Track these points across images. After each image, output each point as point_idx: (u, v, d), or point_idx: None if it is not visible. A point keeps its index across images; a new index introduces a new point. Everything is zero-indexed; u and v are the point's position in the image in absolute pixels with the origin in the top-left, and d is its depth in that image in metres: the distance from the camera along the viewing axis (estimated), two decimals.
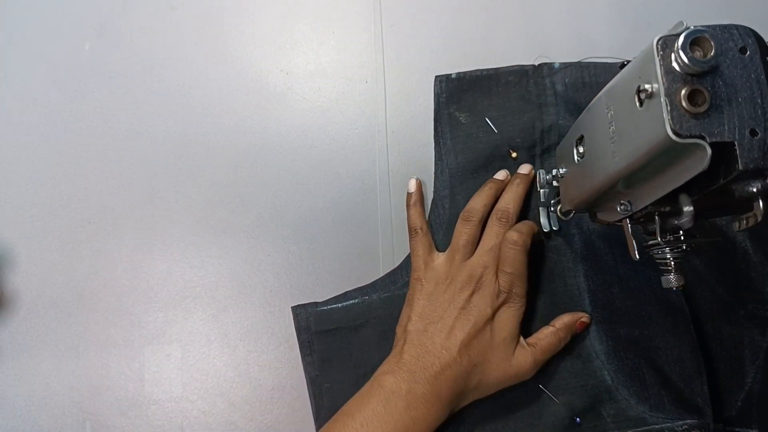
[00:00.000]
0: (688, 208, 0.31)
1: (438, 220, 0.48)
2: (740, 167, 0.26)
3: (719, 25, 0.27)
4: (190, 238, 0.49)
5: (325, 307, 0.47)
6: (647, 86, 0.27)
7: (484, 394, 0.42)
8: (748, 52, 0.27)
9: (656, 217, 0.35)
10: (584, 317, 0.45)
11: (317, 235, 0.49)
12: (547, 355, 0.43)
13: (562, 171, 0.42)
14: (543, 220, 0.47)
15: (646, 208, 0.34)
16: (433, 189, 0.49)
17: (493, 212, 0.45)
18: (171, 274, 0.49)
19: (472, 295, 0.42)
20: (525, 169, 0.48)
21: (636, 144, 0.29)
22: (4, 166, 0.51)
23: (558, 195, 0.45)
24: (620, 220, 0.37)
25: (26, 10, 0.54)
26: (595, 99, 0.35)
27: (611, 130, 0.32)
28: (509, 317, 0.42)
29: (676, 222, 0.33)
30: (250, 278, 0.49)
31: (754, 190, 0.27)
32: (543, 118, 0.48)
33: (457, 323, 0.41)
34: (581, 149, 0.38)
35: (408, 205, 0.48)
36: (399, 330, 0.44)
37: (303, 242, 0.49)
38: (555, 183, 0.43)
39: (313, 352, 0.46)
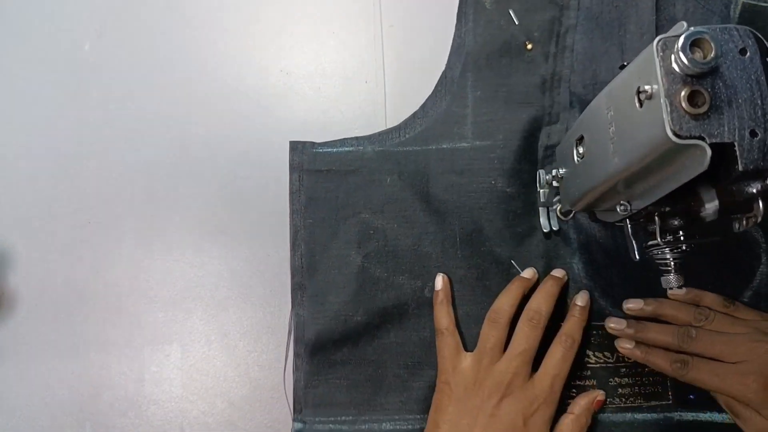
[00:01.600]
0: (711, 204, 0.31)
1: (444, 89, 0.50)
2: (740, 168, 0.26)
3: (719, 27, 0.27)
4: (190, 238, 0.49)
5: (321, 150, 0.49)
6: (647, 87, 0.27)
7: None
8: (748, 54, 0.27)
9: (656, 218, 0.35)
10: (600, 395, 0.44)
11: None
12: None
13: (562, 171, 0.42)
14: (543, 220, 0.47)
15: (646, 208, 0.34)
16: (445, 65, 0.51)
17: (524, 313, 0.43)
18: (171, 274, 0.49)
19: (501, 401, 0.41)
20: (558, 273, 0.46)
21: (636, 145, 0.30)
22: (4, 166, 0.51)
23: (558, 195, 0.45)
24: (620, 221, 0.37)
25: (26, 10, 0.54)
26: (595, 99, 0.35)
27: (611, 130, 0.32)
28: (539, 423, 0.41)
29: (701, 213, 0.32)
30: (250, 278, 0.49)
31: (754, 191, 0.27)
32: (562, 20, 0.49)
33: None
34: (581, 149, 0.38)
35: (435, 303, 0.46)
36: None
37: None
38: (555, 183, 0.43)
39: (302, 189, 0.49)
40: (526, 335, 0.42)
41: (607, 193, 0.36)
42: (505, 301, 0.44)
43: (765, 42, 0.28)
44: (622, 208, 0.35)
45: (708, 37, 0.26)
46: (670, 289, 0.37)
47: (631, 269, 0.46)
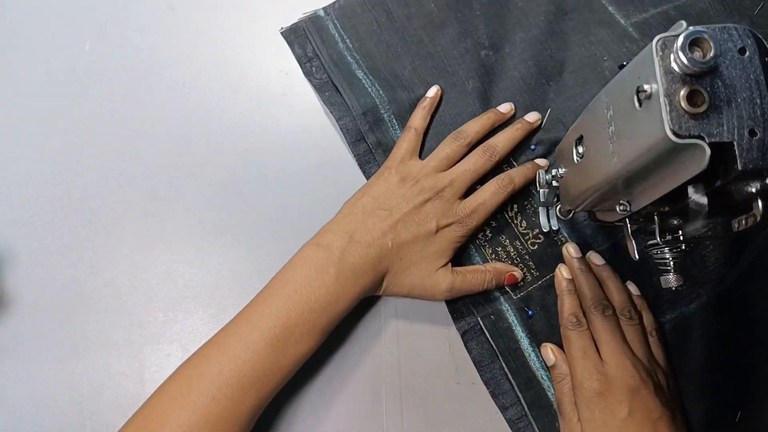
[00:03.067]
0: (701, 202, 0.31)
1: None
2: (739, 167, 0.26)
3: (718, 26, 0.27)
4: (190, 238, 0.49)
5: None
6: (646, 87, 0.27)
7: (393, 293, 0.44)
8: (747, 53, 0.27)
9: (655, 217, 0.35)
10: (516, 272, 0.46)
11: None
12: (466, 288, 0.44)
13: (561, 171, 0.42)
14: (542, 219, 0.47)
15: (645, 208, 0.34)
16: None
17: (481, 145, 0.46)
18: (171, 274, 0.49)
19: (426, 201, 0.44)
20: (531, 117, 0.48)
21: (635, 144, 0.30)
22: (4, 166, 0.51)
23: (557, 195, 0.45)
24: (620, 220, 0.37)
25: (26, 10, 0.54)
26: (594, 99, 0.35)
27: (610, 130, 0.32)
28: (448, 238, 0.44)
29: (688, 227, 0.33)
30: (250, 278, 0.49)
31: (753, 190, 0.27)
32: None
33: (403, 218, 0.43)
34: (580, 149, 0.38)
35: (419, 106, 0.49)
36: (346, 203, 0.45)
37: (303, 242, 0.49)
38: (554, 183, 0.43)
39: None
40: (474, 159, 0.45)
41: (607, 193, 0.36)
42: (473, 126, 0.47)
43: (764, 41, 0.28)
44: (621, 207, 0.35)
45: (707, 37, 0.26)
46: (670, 288, 0.37)
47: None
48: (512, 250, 0.47)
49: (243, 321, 0.41)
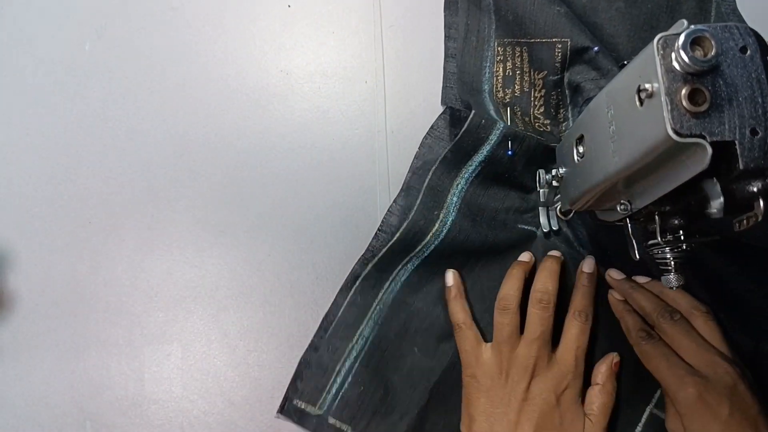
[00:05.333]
0: (716, 201, 0.30)
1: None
2: (741, 166, 0.26)
3: (720, 25, 0.27)
4: (190, 238, 0.49)
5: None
6: (647, 86, 0.27)
7: None
8: (749, 52, 0.27)
9: (656, 217, 0.35)
10: (615, 357, 0.44)
11: (317, 235, 0.49)
12: (608, 414, 0.42)
13: (562, 171, 0.42)
14: (543, 220, 0.47)
15: (646, 207, 0.34)
16: None
17: (531, 296, 0.44)
18: (171, 274, 0.49)
19: (529, 385, 0.41)
20: (555, 252, 0.46)
21: (636, 143, 0.29)
22: (4, 166, 0.51)
23: (558, 195, 0.45)
24: (620, 220, 0.37)
25: (26, 10, 0.54)
26: (595, 98, 0.35)
27: (611, 129, 0.32)
28: (573, 399, 0.42)
29: (706, 211, 0.32)
30: (250, 278, 0.49)
31: (755, 189, 0.27)
32: None
33: (522, 416, 0.41)
34: (581, 149, 0.38)
35: (449, 299, 0.46)
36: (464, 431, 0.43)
37: (303, 242, 0.49)
38: (555, 183, 0.43)
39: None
40: (539, 317, 0.43)
41: (608, 193, 0.36)
42: (510, 287, 0.44)
43: (765, 40, 0.28)
44: (622, 207, 0.35)
45: (708, 35, 0.26)
46: (671, 288, 0.37)
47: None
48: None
49: None
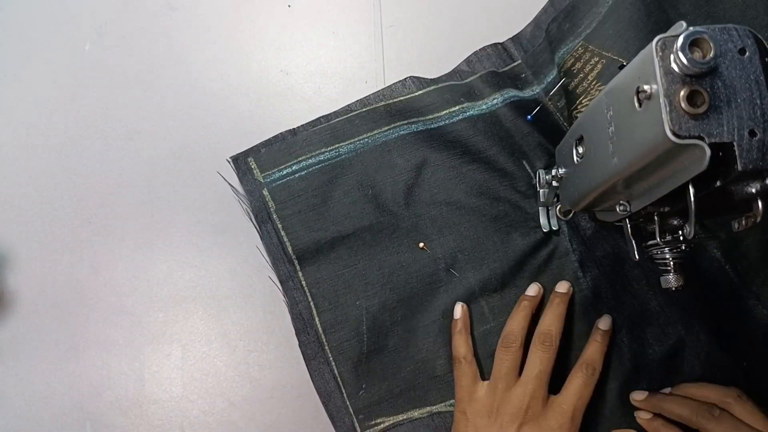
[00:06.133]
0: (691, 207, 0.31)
1: None
2: (739, 168, 0.26)
3: (718, 26, 0.27)
4: (190, 238, 0.49)
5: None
6: (646, 87, 0.27)
7: None
8: (747, 53, 0.27)
9: (655, 218, 0.35)
10: None
11: None
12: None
13: (561, 171, 0.42)
14: (543, 220, 0.47)
15: (645, 208, 0.34)
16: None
17: (535, 336, 0.43)
18: (171, 274, 0.49)
19: (520, 428, 0.41)
20: (563, 287, 0.46)
21: (635, 145, 0.30)
22: (4, 166, 0.51)
23: (557, 195, 0.45)
24: (620, 221, 0.37)
25: (26, 11, 0.54)
26: (594, 99, 0.35)
27: (610, 130, 0.32)
28: None
29: (680, 232, 0.32)
30: (250, 278, 0.49)
31: (753, 190, 0.27)
32: None
33: None
34: (581, 150, 0.38)
35: (453, 332, 0.46)
36: None
37: None
38: (555, 183, 0.43)
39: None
40: (539, 358, 0.42)
41: (607, 193, 0.36)
42: (515, 324, 0.44)
43: (764, 42, 0.28)
44: (621, 208, 0.35)
45: (707, 37, 0.26)
46: (671, 288, 0.37)
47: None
48: None
49: None
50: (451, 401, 0.45)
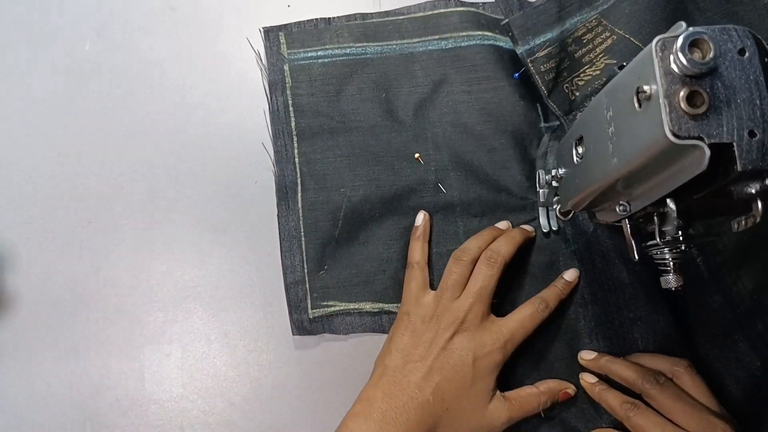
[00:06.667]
0: (673, 213, 0.31)
1: None
2: (739, 168, 0.26)
3: (718, 27, 0.27)
4: (190, 238, 0.49)
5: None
6: (646, 87, 0.27)
7: None
8: (747, 54, 0.27)
9: (655, 218, 0.35)
10: (570, 389, 0.44)
11: None
12: (523, 413, 0.42)
13: (561, 171, 0.42)
14: (542, 220, 0.48)
15: (645, 208, 0.34)
16: None
17: (483, 253, 0.44)
18: (171, 274, 0.49)
19: (453, 336, 0.42)
20: (528, 227, 0.47)
21: (635, 145, 0.30)
22: (4, 166, 0.51)
23: (557, 195, 0.46)
24: (619, 221, 0.37)
25: (26, 10, 0.54)
26: (594, 99, 0.35)
27: (610, 131, 0.32)
28: (489, 368, 0.41)
29: (663, 229, 0.33)
30: (250, 278, 0.49)
31: (753, 191, 0.27)
32: None
33: (436, 364, 0.41)
34: (580, 150, 0.38)
35: (412, 238, 0.47)
36: (378, 362, 0.43)
37: None
38: (554, 183, 0.43)
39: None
40: (482, 273, 0.43)
41: (607, 194, 0.36)
42: (473, 243, 0.45)
43: (764, 42, 0.28)
44: (621, 208, 0.35)
45: (707, 38, 0.26)
46: (671, 288, 0.37)
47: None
48: None
49: None
50: None
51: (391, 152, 0.49)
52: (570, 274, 0.46)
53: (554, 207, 0.47)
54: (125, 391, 0.46)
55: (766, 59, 0.28)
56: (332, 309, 0.47)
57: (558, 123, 0.49)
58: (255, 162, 0.51)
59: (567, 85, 0.48)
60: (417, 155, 0.49)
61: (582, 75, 0.47)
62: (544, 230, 0.47)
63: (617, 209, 0.36)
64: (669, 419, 0.39)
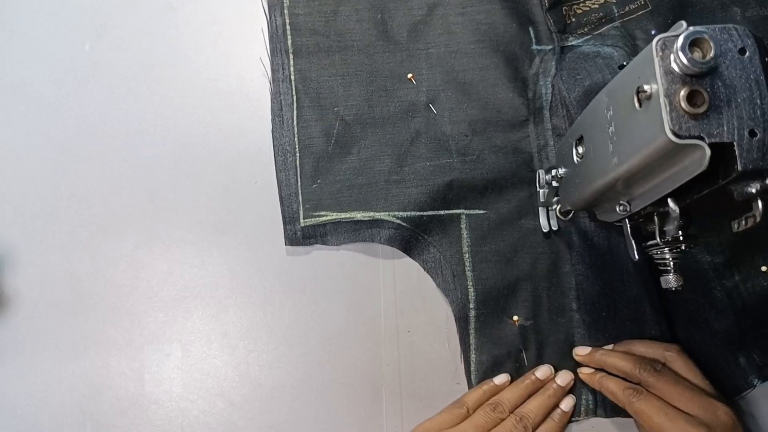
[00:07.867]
0: (674, 213, 0.31)
1: None
2: (739, 168, 0.26)
3: (718, 26, 0.27)
4: (190, 238, 0.49)
5: None
6: (646, 87, 0.27)
7: None
8: (747, 53, 0.27)
9: (655, 218, 0.35)
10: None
11: None
12: None
13: (561, 171, 0.42)
14: (542, 220, 0.47)
15: (645, 208, 0.34)
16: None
17: (515, 412, 0.43)
18: (171, 274, 0.49)
19: None
20: (563, 380, 0.45)
21: (635, 145, 0.30)
22: (4, 166, 0.51)
23: (557, 195, 0.45)
24: (619, 221, 0.37)
25: (26, 10, 0.54)
26: (594, 99, 0.35)
27: (610, 130, 0.32)
28: None
29: (663, 228, 0.33)
30: (250, 278, 0.49)
31: (753, 190, 0.27)
32: None
33: None
34: (580, 149, 0.38)
35: (481, 384, 0.45)
36: None
37: None
38: (554, 183, 0.43)
39: None
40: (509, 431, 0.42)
41: (607, 193, 0.36)
42: (510, 395, 0.44)
43: (764, 42, 0.28)
44: (621, 208, 0.35)
45: (707, 37, 0.26)
46: (671, 287, 0.37)
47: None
48: None
49: None
50: (394, 212, 0.47)
51: (384, 72, 0.50)
52: (566, 404, 0.45)
53: (554, 207, 0.47)
54: (125, 391, 0.46)
55: (766, 58, 0.28)
56: (324, 218, 0.48)
57: (550, 47, 0.50)
58: (255, 162, 0.51)
59: (566, 8, 0.50)
60: (410, 75, 0.50)
61: (581, 5, 0.49)
62: (544, 230, 0.47)
63: (617, 209, 0.36)
64: (671, 405, 0.39)
